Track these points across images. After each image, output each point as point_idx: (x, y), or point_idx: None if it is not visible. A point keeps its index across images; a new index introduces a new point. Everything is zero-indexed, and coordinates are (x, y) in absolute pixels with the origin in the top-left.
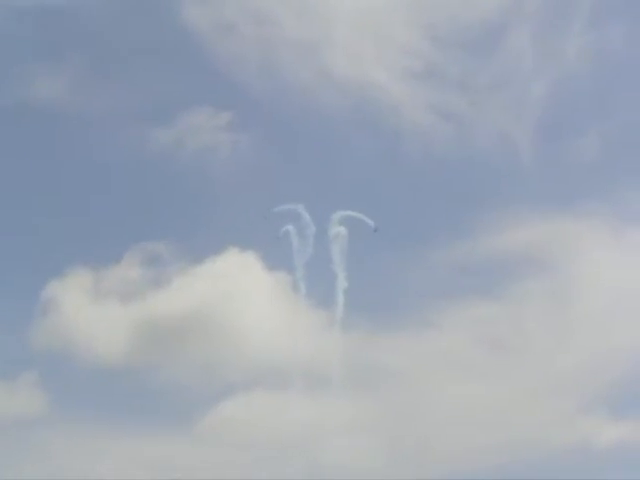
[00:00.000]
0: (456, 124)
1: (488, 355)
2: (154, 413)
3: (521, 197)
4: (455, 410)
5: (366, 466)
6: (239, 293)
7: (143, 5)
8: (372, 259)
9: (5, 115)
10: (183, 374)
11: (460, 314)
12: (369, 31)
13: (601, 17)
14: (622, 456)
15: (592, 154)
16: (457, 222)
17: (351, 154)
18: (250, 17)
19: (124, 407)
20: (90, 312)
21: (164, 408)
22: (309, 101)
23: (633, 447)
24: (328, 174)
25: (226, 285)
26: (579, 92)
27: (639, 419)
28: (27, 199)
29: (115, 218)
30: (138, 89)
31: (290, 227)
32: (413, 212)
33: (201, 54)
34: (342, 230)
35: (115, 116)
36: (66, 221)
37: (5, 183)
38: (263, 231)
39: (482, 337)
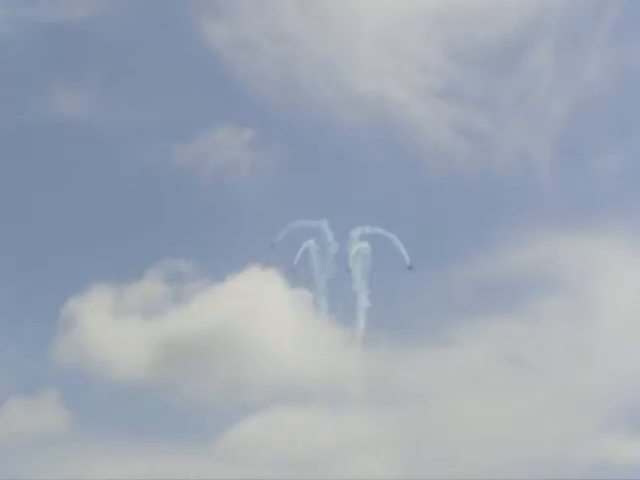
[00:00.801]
0: (476, 141)
1: (508, 372)
2: (174, 431)
3: (541, 214)
4: (474, 427)
5: None
6: (260, 311)
7: (164, 22)
8: (392, 275)
9: (27, 131)
10: (203, 392)
11: (480, 331)
12: (390, 48)
13: (622, 34)
14: None
15: (612, 171)
16: (477, 239)
17: (372, 171)
18: (271, 34)
19: (144, 425)
20: (111, 329)
21: (184, 426)
22: (330, 118)
23: None
24: (349, 191)
25: (247, 303)
26: (599, 109)
27: None
28: (48, 215)
29: (137, 235)
30: (160, 106)
31: (312, 243)
32: (433, 229)
33: (222, 71)
34: (363, 247)
35: (137, 132)
36: (88, 237)
37: (27, 199)
38: (286, 248)
39: (502, 354)
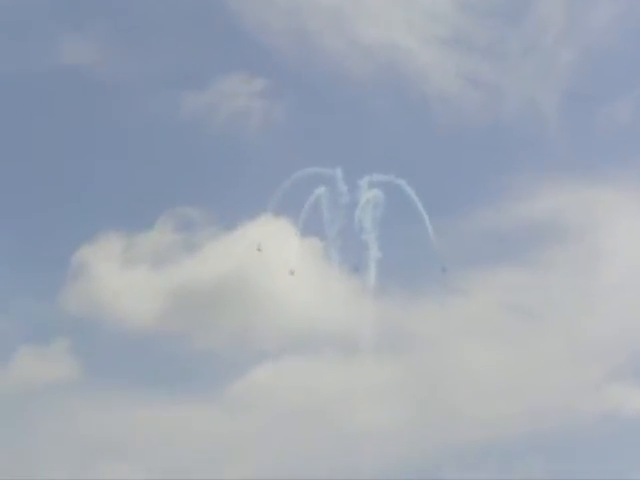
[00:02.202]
0: (484, 91)
1: (515, 322)
2: (184, 379)
3: (549, 164)
4: (482, 376)
5: (394, 431)
6: (272, 260)
7: None
8: (401, 226)
9: (36, 81)
10: (214, 340)
11: (487, 281)
12: None
13: None
14: None
15: (621, 121)
16: (484, 189)
17: (381, 120)
18: None
19: (154, 373)
20: (121, 278)
21: (194, 375)
22: (339, 68)
23: None
24: (358, 140)
25: (259, 251)
26: (609, 59)
27: None
28: (59, 164)
29: (148, 184)
30: (170, 54)
31: (322, 191)
32: (441, 179)
33: (233, 20)
34: (374, 194)
35: (147, 81)
36: (98, 186)
37: (37, 149)
38: (297, 197)
39: (509, 304)
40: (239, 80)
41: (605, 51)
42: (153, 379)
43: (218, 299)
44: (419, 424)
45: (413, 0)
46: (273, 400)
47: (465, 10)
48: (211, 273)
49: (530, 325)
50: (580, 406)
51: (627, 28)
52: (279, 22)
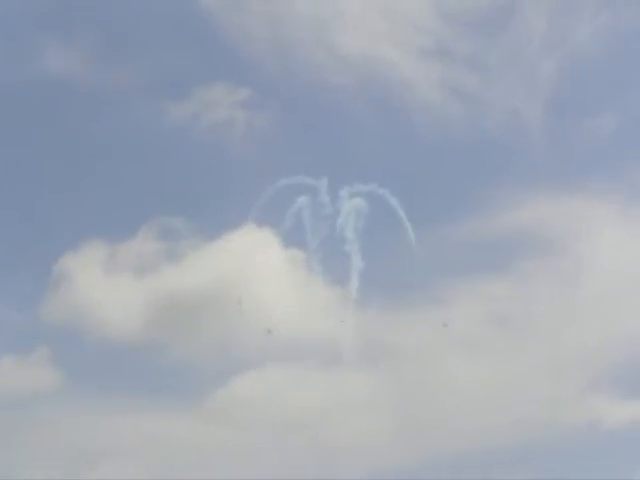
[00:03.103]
0: (467, 101)
1: (497, 332)
2: (165, 389)
3: (531, 175)
4: (464, 388)
5: (375, 443)
6: (254, 269)
7: None
8: (384, 235)
9: (19, 89)
10: (196, 350)
11: (469, 291)
12: (379, 7)
13: None
14: (632, 436)
15: (605, 133)
16: (467, 199)
17: (363, 132)
18: None
19: (135, 383)
20: (104, 286)
21: (176, 384)
22: (321, 78)
23: None
24: (341, 151)
25: (241, 261)
26: (591, 71)
27: None
28: (41, 172)
29: (131, 192)
30: (154, 64)
31: (305, 201)
32: (423, 189)
33: (213, 30)
34: (357, 204)
35: (130, 91)
36: (81, 195)
37: (20, 157)
38: (279, 207)
39: (491, 315)
40: (222, 90)
41: (589, 62)
42: (135, 388)
43: (201, 308)
44: (401, 435)
45: (395, 11)
46: (254, 410)
47: (448, 21)
48: (194, 283)
49: (512, 336)
50: (562, 417)
51: (611, 39)
52: (262, 32)
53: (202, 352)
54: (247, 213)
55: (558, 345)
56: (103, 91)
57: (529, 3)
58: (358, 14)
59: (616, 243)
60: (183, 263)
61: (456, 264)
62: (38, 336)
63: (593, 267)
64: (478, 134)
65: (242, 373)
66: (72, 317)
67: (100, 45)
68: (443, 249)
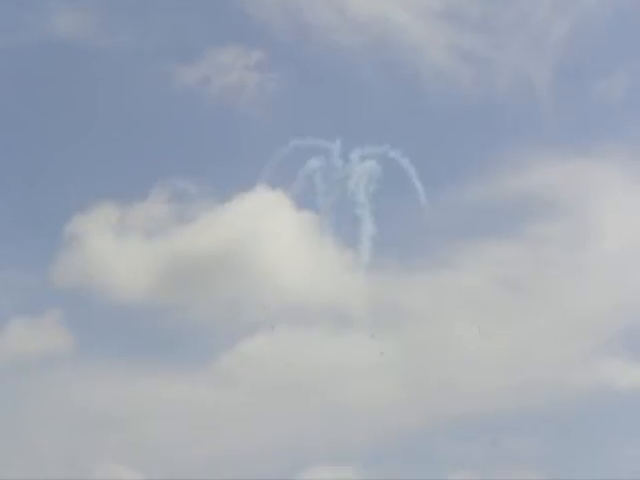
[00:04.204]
0: (476, 65)
1: (506, 296)
2: (175, 352)
3: (540, 138)
4: (474, 350)
5: (385, 404)
6: (265, 232)
7: None
8: (396, 197)
9: (28, 54)
10: (206, 313)
11: (478, 255)
12: None
13: None
14: None
15: (614, 96)
16: (475, 163)
17: (373, 93)
18: None
19: (147, 345)
20: (114, 249)
21: (186, 347)
22: (331, 41)
23: None
24: (351, 113)
25: (252, 223)
26: (602, 33)
27: None
28: (51, 135)
29: (141, 154)
30: (164, 26)
31: (317, 163)
32: (431, 152)
33: None
34: (368, 166)
35: (141, 54)
36: (91, 157)
37: (31, 118)
38: (292, 169)
39: (500, 278)
40: (234, 53)
41: (599, 25)
42: (145, 351)
43: (211, 271)
44: (410, 398)
45: None
46: (264, 372)
47: None
48: (204, 245)
49: (521, 299)
50: (571, 380)
51: (621, 1)
52: None
53: (212, 315)
54: (259, 175)
55: (568, 308)
56: (112, 54)
57: None
58: None
59: (625, 206)
60: (194, 225)
61: (465, 227)
62: (49, 298)
63: (603, 230)
64: (487, 97)
65: (252, 336)
66: (83, 279)
67: (108, 7)
68: (452, 212)
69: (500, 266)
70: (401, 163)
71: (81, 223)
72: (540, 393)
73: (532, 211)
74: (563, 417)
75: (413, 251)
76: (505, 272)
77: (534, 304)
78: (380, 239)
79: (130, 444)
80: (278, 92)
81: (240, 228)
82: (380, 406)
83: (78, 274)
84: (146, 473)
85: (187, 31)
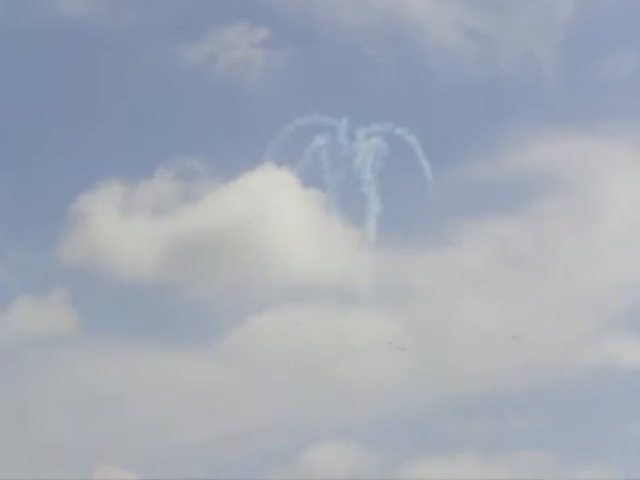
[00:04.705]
0: (482, 42)
1: (511, 274)
2: (182, 331)
3: (545, 116)
4: (479, 329)
5: (391, 382)
6: (272, 210)
7: None
8: (401, 174)
9: (34, 33)
10: (212, 291)
11: (482, 232)
12: None
13: None
14: None
15: (619, 74)
16: (480, 140)
17: (379, 71)
18: None
19: (153, 323)
20: (121, 227)
21: (192, 325)
22: (337, 18)
23: None
24: (357, 90)
25: (259, 201)
26: (608, 11)
27: None
28: (59, 114)
29: (147, 133)
30: (170, 4)
31: (323, 141)
32: (436, 129)
33: None
34: (374, 144)
35: (146, 31)
36: (97, 135)
37: (36, 98)
38: (299, 147)
39: (504, 256)
40: (239, 30)
41: (605, 3)
42: (152, 329)
43: (218, 249)
44: (417, 376)
45: None
46: (270, 351)
47: None
48: (211, 223)
49: (526, 277)
50: (577, 358)
51: None
52: None
53: (219, 293)
54: (265, 153)
55: (572, 286)
56: (118, 33)
57: None
58: None
59: (630, 184)
60: (200, 204)
61: (470, 205)
62: (55, 277)
63: (607, 207)
64: (493, 75)
65: (259, 314)
66: (89, 258)
67: None
68: (457, 190)
69: (505, 243)
70: (407, 140)
71: (87, 202)
72: (545, 372)
73: (537, 188)
74: (568, 395)
75: (418, 228)
76: (510, 249)
77: (539, 282)
78: (386, 217)
79: (135, 422)
80: (284, 69)
81: (246, 206)
82: (385, 384)
83: (84, 253)
84: (151, 452)
85: (192, 9)
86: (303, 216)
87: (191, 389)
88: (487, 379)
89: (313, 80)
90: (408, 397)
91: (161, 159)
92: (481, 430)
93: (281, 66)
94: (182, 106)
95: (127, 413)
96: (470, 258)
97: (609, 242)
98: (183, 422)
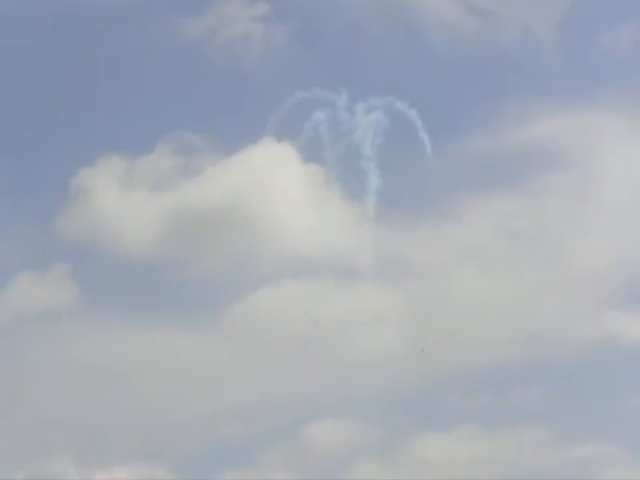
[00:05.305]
0: (481, 17)
1: (510, 248)
2: (182, 306)
3: (544, 91)
4: (480, 303)
5: (392, 357)
6: (272, 184)
7: None
8: (401, 148)
9: (32, 8)
10: (212, 266)
11: (481, 207)
12: None
13: None
14: None
15: (618, 49)
16: (480, 115)
17: (379, 46)
18: None
19: (153, 298)
20: (121, 202)
21: (192, 301)
22: None
23: None
24: (357, 65)
25: (259, 176)
26: None
27: None
28: (59, 86)
29: (147, 107)
30: None
31: (323, 116)
32: (436, 104)
33: None
34: (374, 118)
35: (146, 5)
36: (97, 110)
37: (36, 73)
38: (299, 121)
39: (504, 230)
40: (239, 5)
41: None
42: (152, 304)
43: (218, 224)
44: (417, 350)
45: None
46: (270, 326)
47: None
48: (211, 198)
49: (525, 251)
50: (577, 333)
51: None
52: None
53: (219, 268)
54: (265, 128)
55: (572, 260)
56: (117, 7)
57: None
58: None
59: (628, 157)
60: (200, 178)
61: (470, 179)
62: (55, 252)
63: (607, 182)
64: (492, 50)
65: (259, 289)
66: (89, 233)
67: None
68: (457, 164)
69: (504, 218)
70: (407, 114)
71: (87, 176)
72: (544, 346)
73: (536, 163)
74: (567, 370)
75: (418, 203)
76: (509, 224)
77: (538, 256)
78: (386, 191)
79: (135, 398)
80: (284, 44)
81: (246, 181)
82: (385, 359)
83: (84, 228)
84: (151, 427)
85: None
86: (303, 191)
87: (191, 364)
88: (487, 353)
89: (313, 54)
90: (408, 372)
91: (161, 134)
92: (481, 405)
93: (281, 41)
94: (182, 80)
95: (127, 389)
96: (470, 232)
97: (608, 216)
98: (183, 398)
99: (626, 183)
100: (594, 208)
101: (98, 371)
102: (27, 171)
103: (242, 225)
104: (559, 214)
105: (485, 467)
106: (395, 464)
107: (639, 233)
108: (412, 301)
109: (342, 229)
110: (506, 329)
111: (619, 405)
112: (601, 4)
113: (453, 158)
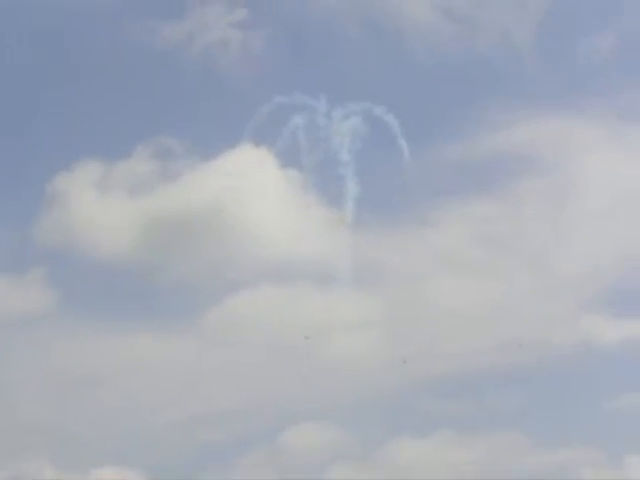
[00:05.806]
0: (459, 23)
1: (488, 254)
2: (160, 310)
3: (522, 96)
4: (457, 308)
5: (369, 362)
6: (249, 189)
7: None
8: (379, 155)
9: (8, 10)
10: (190, 270)
11: (459, 213)
12: None
13: None
14: (625, 355)
15: (596, 54)
16: (457, 120)
17: (356, 51)
18: None
19: (130, 303)
20: (98, 207)
21: (170, 305)
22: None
23: (637, 346)
24: (334, 71)
25: (237, 181)
26: None
27: None
28: (36, 90)
29: (126, 112)
30: None
31: (301, 121)
32: (413, 110)
33: None
34: (352, 124)
35: (124, 9)
36: (75, 114)
37: (14, 75)
38: (277, 126)
39: (481, 236)
40: (217, 10)
41: None
42: (129, 309)
43: (195, 228)
44: (393, 355)
45: None
46: (247, 331)
47: None
48: (189, 203)
49: (503, 257)
50: (554, 338)
51: None
52: None
53: (196, 272)
54: (243, 133)
55: (549, 265)
56: (95, 11)
57: None
58: None
59: (606, 163)
60: (178, 183)
61: (447, 185)
62: (31, 257)
63: (585, 188)
64: (470, 55)
65: (236, 293)
66: (66, 238)
67: None
68: (435, 170)
69: (482, 223)
70: (385, 120)
71: (64, 181)
72: (522, 351)
73: (514, 168)
74: (546, 374)
75: (396, 208)
76: (487, 229)
77: (516, 262)
78: (363, 197)
79: (112, 403)
80: (262, 50)
81: (224, 186)
82: (362, 363)
83: (61, 232)
84: (128, 432)
85: None
86: (281, 196)
87: (169, 369)
88: (464, 359)
89: (291, 60)
90: (386, 377)
91: (139, 138)
92: (458, 410)
93: (259, 46)
94: (160, 85)
95: (105, 394)
96: (447, 238)
97: (586, 221)
98: (161, 403)
99: (604, 189)
100: (571, 214)
101: (74, 375)
102: (3, 176)
103: (220, 230)
104: (536, 220)
105: (462, 472)
106: (372, 468)
107: (615, 238)
108: (389, 306)
109: (320, 234)
110: (483, 334)
111: (596, 409)
112: (579, 9)
113: (431, 164)
